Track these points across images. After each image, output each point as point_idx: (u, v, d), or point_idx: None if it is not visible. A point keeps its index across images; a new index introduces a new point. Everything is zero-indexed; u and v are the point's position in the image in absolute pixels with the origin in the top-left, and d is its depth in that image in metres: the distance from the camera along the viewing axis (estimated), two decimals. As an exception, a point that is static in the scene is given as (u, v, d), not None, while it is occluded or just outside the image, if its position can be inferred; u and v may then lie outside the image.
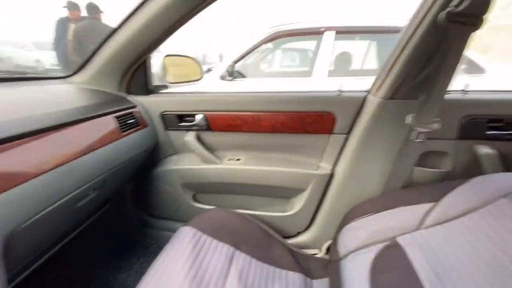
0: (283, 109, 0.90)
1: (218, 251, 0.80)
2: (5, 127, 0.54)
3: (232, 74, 2.33)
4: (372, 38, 2.83)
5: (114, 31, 0.86)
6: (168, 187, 1.08)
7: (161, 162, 1.07)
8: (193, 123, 0.98)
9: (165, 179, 1.07)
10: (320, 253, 0.92)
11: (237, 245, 0.83)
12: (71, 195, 0.66)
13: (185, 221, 1.12)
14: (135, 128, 0.89)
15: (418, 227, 0.70)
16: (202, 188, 1.07)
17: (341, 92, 0.87)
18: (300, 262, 0.86)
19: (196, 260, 0.74)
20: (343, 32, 2.44)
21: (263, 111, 0.91)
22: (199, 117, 0.96)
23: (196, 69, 1.15)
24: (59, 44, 3.61)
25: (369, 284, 0.62)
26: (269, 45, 2.94)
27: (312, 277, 0.82)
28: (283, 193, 1.01)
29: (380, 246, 0.72)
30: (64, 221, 0.76)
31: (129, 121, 0.87)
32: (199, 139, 1.01)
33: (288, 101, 0.90)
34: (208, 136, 1.01)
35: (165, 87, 1.08)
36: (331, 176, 0.93)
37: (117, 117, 0.83)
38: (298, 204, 1.00)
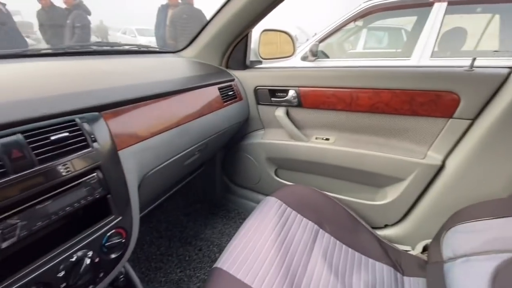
0: (388, 86, 0.80)
1: (302, 226, 0.80)
2: (140, 89, 0.64)
3: (316, 54, 2.22)
4: (495, 10, 2.25)
5: (219, 10, 0.91)
6: (252, 159, 1.13)
7: (249, 135, 1.13)
8: (284, 98, 0.98)
9: (251, 151, 1.12)
10: (414, 251, 0.83)
11: (320, 224, 0.82)
12: (183, 152, 0.75)
13: (264, 193, 1.18)
14: (233, 100, 0.95)
15: None
16: (285, 164, 1.09)
17: (473, 68, 0.71)
18: (389, 255, 0.79)
19: (282, 230, 0.76)
20: (459, 3, 2.01)
21: (363, 88, 0.84)
22: (291, 92, 0.96)
23: (290, 45, 1.14)
24: (159, 29, 4.11)
25: None
26: (358, 22, 2.67)
27: (404, 273, 0.75)
28: (375, 180, 0.93)
29: (504, 257, 0.59)
30: (173, 176, 0.88)
31: (229, 93, 0.94)
32: (288, 115, 1.01)
33: (396, 77, 0.79)
34: (298, 113, 0.99)
35: (260, 62, 1.10)
36: (440, 167, 0.80)
37: (219, 88, 0.90)
38: (392, 194, 0.90)
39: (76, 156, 0.45)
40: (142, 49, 1.02)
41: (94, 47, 0.88)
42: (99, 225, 0.49)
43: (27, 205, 0.39)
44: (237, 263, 0.63)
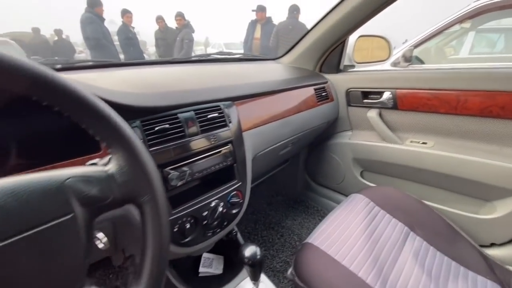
0: (505, 89, 0.74)
1: (391, 225, 0.80)
2: (255, 86, 0.79)
3: (410, 59, 2.08)
4: None
5: (319, 21, 1.01)
6: (338, 159, 1.18)
7: (336, 136, 1.18)
8: (378, 100, 1.00)
9: (337, 151, 1.17)
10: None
11: (412, 227, 0.80)
12: (282, 142, 0.87)
13: (347, 194, 1.19)
14: (325, 100, 1.03)
15: None
16: (373, 167, 1.09)
17: None
18: (496, 273, 0.71)
19: (370, 225, 0.78)
20: None
21: (474, 90, 0.79)
22: (387, 94, 0.97)
23: (385, 50, 1.14)
24: (247, 42, 4.54)
25: None
26: (465, 24, 2.36)
27: (516, 295, 0.67)
28: (482, 191, 0.84)
29: None
30: (269, 163, 1.02)
31: (322, 94, 1.02)
32: (381, 116, 1.02)
33: None
34: (392, 115, 0.99)
35: (352, 66, 1.15)
36: None
37: (315, 89, 1.00)
38: (503, 208, 0.81)
39: (220, 131, 0.62)
40: (248, 57, 1.21)
41: (216, 56, 1.10)
42: (227, 185, 0.64)
43: (191, 160, 0.57)
44: (328, 241, 0.70)
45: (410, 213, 0.82)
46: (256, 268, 0.56)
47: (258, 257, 0.56)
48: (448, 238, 0.79)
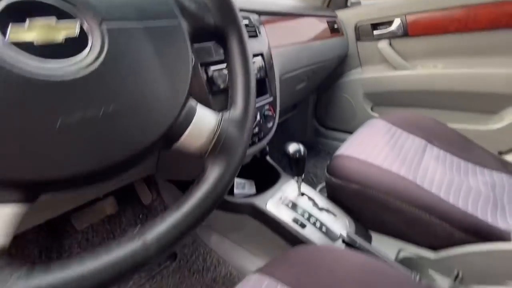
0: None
1: (410, 140, 0.84)
2: (277, 7, 0.79)
3: None
4: None
5: None
6: (348, 97, 1.21)
7: (346, 74, 1.21)
8: (388, 30, 1.02)
9: (347, 89, 1.20)
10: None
11: (430, 140, 0.84)
12: (300, 70, 0.89)
13: (358, 132, 1.24)
14: (336, 33, 1.04)
15: None
16: (384, 99, 1.13)
17: None
18: (508, 167, 0.78)
19: (391, 140, 0.82)
20: None
21: (481, 3, 0.82)
22: (397, 22, 0.99)
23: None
24: None
25: None
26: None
27: (527, 182, 0.73)
28: (488, 103, 0.90)
29: None
30: (289, 97, 1.02)
31: (334, 26, 1.03)
32: (392, 46, 1.04)
33: None
34: (402, 43, 1.02)
35: (359, 3, 1.16)
36: None
37: (327, 21, 1.00)
38: (508, 116, 0.87)
39: (251, 40, 0.62)
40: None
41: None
42: (261, 98, 0.66)
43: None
44: (356, 151, 0.73)
45: (426, 129, 0.87)
46: (300, 163, 0.59)
47: (302, 152, 0.59)
48: (463, 146, 0.84)
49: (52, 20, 0.19)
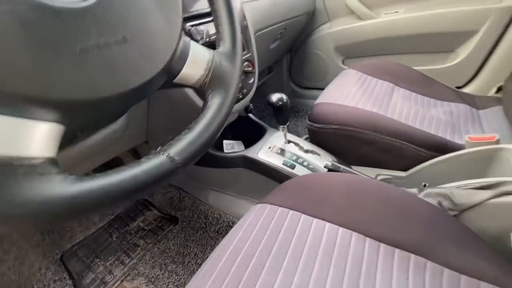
0: None
1: (379, 84, 0.91)
2: None
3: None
4: None
5: None
6: (320, 53, 1.25)
7: (315, 31, 1.23)
8: (352, -20, 1.04)
9: (318, 45, 1.23)
10: (489, 93, 0.90)
11: (396, 83, 0.92)
12: (273, 26, 0.90)
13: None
14: (302, -12, 1.05)
15: None
16: (353, 51, 1.18)
17: None
18: (463, 98, 0.88)
19: (363, 86, 0.88)
20: None
21: None
22: (359, -29, 1.01)
23: None
24: None
25: None
26: None
27: (478, 108, 0.84)
28: (445, 42, 0.98)
29: None
30: (264, 57, 1.04)
31: (299, -19, 1.03)
32: (356, -3, 1.07)
33: None
34: (366, -7, 1.05)
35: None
36: None
37: (292, -25, 1.00)
38: (462, 53, 0.96)
39: None
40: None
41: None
42: None
43: (204, 19, 0.58)
44: (333, 98, 0.79)
45: (392, 73, 0.94)
46: (284, 111, 0.63)
47: (285, 100, 0.63)
48: (425, 85, 0.93)
49: None
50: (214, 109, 0.29)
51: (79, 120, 0.22)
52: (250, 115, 0.86)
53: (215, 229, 0.78)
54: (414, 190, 0.51)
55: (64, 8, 0.19)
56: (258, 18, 0.80)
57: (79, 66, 0.20)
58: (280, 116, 0.65)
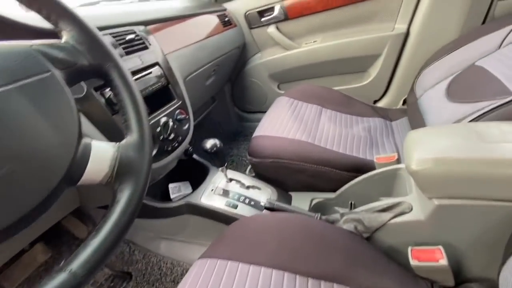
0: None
1: (309, 109, 1.01)
2: (164, 12, 0.81)
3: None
4: None
5: None
6: (256, 81, 1.33)
7: (249, 61, 1.31)
8: (272, 15, 1.14)
9: (253, 74, 1.31)
10: (398, 106, 1.06)
11: (323, 105, 1.03)
12: (205, 67, 0.94)
13: (273, 110, 1.39)
14: (229, 26, 1.12)
15: (498, 48, 0.76)
16: (285, 77, 1.28)
17: None
18: (379, 113, 1.02)
19: (294, 112, 0.97)
20: None
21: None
22: (277, 8, 1.12)
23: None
24: None
25: (446, 95, 0.75)
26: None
27: (391, 120, 0.99)
28: (359, 64, 1.13)
29: (455, 73, 0.81)
30: (200, 94, 1.08)
31: (225, 20, 1.10)
32: (279, 30, 1.18)
33: None
34: (286, 26, 1.17)
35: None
36: (406, 35, 1.00)
37: (218, 16, 1.06)
38: (374, 71, 1.12)
39: (142, 53, 0.65)
40: None
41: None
42: (169, 104, 0.70)
43: None
44: (268, 129, 0.85)
45: (319, 97, 1.05)
46: (219, 155, 0.67)
47: (218, 145, 0.66)
48: (347, 104, 1.06)
49: None
50: (122, 207, 0.30)
51: None
52: (194, 155, 0.88)
53: (171, 278, 0.77)
54: (337, 216, 0.57)
55: None
56: (186, 64, 0.83)
57: None
58: (217, 160, 0.68)
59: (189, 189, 0.86)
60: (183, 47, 0.82)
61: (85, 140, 0.30)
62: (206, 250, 0.50)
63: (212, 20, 1.03)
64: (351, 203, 0.66)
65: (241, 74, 1.35)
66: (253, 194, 0.70)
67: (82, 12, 0.63)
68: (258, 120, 1.47)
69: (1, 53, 0.26)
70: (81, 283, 0.24)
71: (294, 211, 0.60)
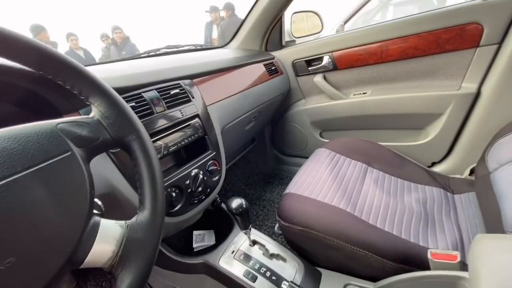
0: (414, 32, 0.90)
1: (352, 165, 0.92)
2: (211, 65, 0.85)
3: (342, 34, 2.31)
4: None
5: (254, 4, 1.10)
6: (298, 126, 1.29)
7: (292, 106, 1.29)
8: (320, 65, 1.12)
9: (296, 120, 1.28)
10: (463, 175, 0.89)
11: (369, 163, 0.93)
12: (245, 115, 0.94)
13: (313, 157, 1.32)
14: (276, 74, 1.13)
15: None
16: (328, 125, 1.22)
17: (489, -4, 0.79)
18: (438, 181, 0.87)
19: (334, 168, 0.89)
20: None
21: (391, 39, 0.95)
22: (325, 58, 1.10)
23: (318, 22, 1.28)
24: (206, 42, 4.44)
25: None
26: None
27: (454, 192, 0.83)
28: (415, 121, 1.01)
29: None
30: (238, 139, 1.08)
31: (272, 68, 1.12)
32: (326, 79, 1.15)
33: (420, 22, 0.89)
34: (334, 76, 1.13)
35: (294, 42, 1.27)
36: (477, 95, 0.87)
37: (264, 65, 1.09)
38: (433, 131, 0.98)
39: (185, 106, 0.67)
40: (198, 47, 1.26)
41: (165, 50, 1.13)
42: (203, 155, 0.69)
43: (164, 134, 0.61)
44: (302, 187, 0.79)
45: (365, 153, 0.96)
46: (244, 217, 0.62)
47: (244, 206, 0.62)
48: (398, 164, 0.93)
49: None
50: None
51: None
52: (222, 205, 0.85)
53: None
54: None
55: None
56: (226, 114, 0.84)
57: None
58: (242, 221, 0.63)
59: (213, 240, 0.83)
60: (225, 98, 0.84)
61: (94, 220, 0.29)
62: None
63: (258, 69, 1.05)
64: (394, 303, 0.53)
65: (283, 118, 1.33)
66: (276, 266, 0.63)
67: (137, 68, 0.70)
68: (296, 164, 1.42)
69: (24, 135, 0.26)
70: None
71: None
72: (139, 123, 0.36)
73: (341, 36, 1.06)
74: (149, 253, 0.32)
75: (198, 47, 1.26)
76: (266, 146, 1.46)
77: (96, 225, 0.30)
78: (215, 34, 4.04)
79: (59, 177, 0.28)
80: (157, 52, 1.09)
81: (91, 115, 0.33)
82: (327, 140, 1.23)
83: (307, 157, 1.36)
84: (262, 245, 0.67)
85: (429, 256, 0.52)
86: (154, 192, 0.34)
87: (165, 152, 0.60)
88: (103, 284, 0.92)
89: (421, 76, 0.97)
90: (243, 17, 1.20)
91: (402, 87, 1.01)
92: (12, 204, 0.24)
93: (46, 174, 0.27)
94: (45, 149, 0.27)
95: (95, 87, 0.33)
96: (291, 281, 0.58)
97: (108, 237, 0.30)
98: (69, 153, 0.29)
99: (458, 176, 0.91)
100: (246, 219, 0.63)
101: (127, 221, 0.32)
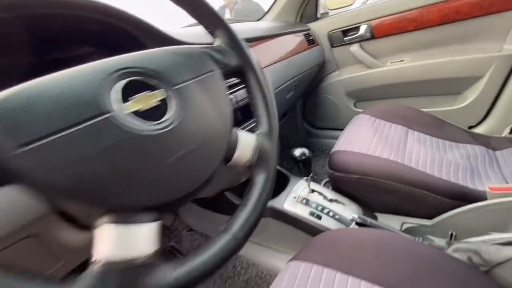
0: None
1: (393, 129, 0.96)
2: (258, 32, 0.89)
3: None
4: None
5: None
6: (332, 98, 1.33)
7: (325, 78, 1.33)
8: (357, 35, 1.15)
9: (329, 91, 1.32)
10: (503, 134, 0.93)
11: (409, 126, 0.96)
12: (288, 82, 0.99)
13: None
14: (313, 44, 1.17)
15: None
16: (363, 95, 1.25)
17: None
18: (478, 139, 0.91)
19: (377, 132, 0.93)
20: None
21: (432, 4, 0.96)
22: (363, 27, 1.12)
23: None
24: None
25: None
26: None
27: (495, 149, 0.86)
28: (453, 86, 1.04)
29: None
30: (280, 108, 1.13)
31: (310, 38, 1.15)
32: (362, 48, 1.18)
33: None
34: (371, 45, 1.15)
35: (327, 14, 1.29)
36: None
37: (304, 35, 1.12)
38: (472, 94, 1.01)
39: None
40: (233, 21, 1.30)
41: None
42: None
43: (234, 89, 0.67)
44: (350, 146, 0.84)
45: (404, 117, 0.99)
46: (306, 164, 0.68)
47: (307, 154, 0.68)
48: (438, 127, 0.97)
49: (148, 93, 0.27)
50: (261, 186, 0.34)
51: (169, 214, 0.27)
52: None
53: (244, 279, 0.79)
54: (443, 243, 0.52)
55: (155, 135, 0.26)
56: (277, 78, 0.89)
57: (171, 175, 0.26)
58: (303, 169, 0.70)
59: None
60: (276, 62, 0.89)
61: (234, 129, 0.36)
62: (297, 254, 0.51)
63: (298, 39, 1.09)
64: (451, 234, 0.59)
65: (316, 91, 1.37)
66: (336, 208, 0.69)
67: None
68: (327, 137, 1.47)
69: (184, 53, 0.34)
70: (241, 245, 0.29)
71: (393, 231, 0.57)
72: (253, 57, 0.42)
73: (380, 4, 1.08)
74: (275, 157, 0.38)
75: (234, 21, 1.31)
76: (297, 120, 1.51)
77: (236, 133, 0.36)
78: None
79: (211, 89, 0.34)
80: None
81: (217, 44, 0.40)
82: (361, 110, 1.27)
83: (339, 129, 1.41)
84: (320, 193, 0.74)
85: (487, 189, 0.57)
86: (268, 111, 0.41)
87: (235, 106, 0.66)
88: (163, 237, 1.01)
89: (460, 40, 0.99)
90: (256, 1, 1.23)
91: (440, 52, 1.04)
92: (187, 104, 0.30)
93: (204, 85, 0.33)
94: (199, 64, 0.34)
95: (221, 24, 0.40)
96: (358, 214, 0.64)
97: (247, 144, 0.36)
98: (214, 71, 0.35)
99: (497, 135, 0.94)
100: (309, 166, 0.69)
101: (255, 133, 0.39)
